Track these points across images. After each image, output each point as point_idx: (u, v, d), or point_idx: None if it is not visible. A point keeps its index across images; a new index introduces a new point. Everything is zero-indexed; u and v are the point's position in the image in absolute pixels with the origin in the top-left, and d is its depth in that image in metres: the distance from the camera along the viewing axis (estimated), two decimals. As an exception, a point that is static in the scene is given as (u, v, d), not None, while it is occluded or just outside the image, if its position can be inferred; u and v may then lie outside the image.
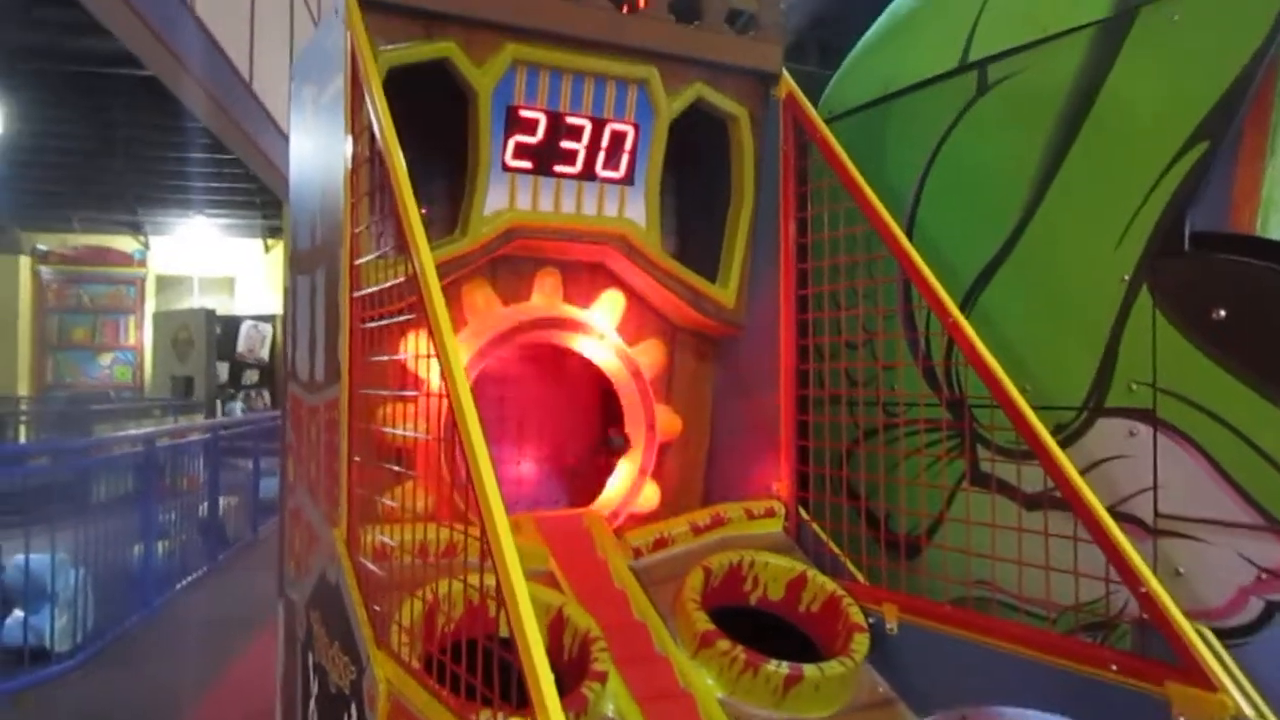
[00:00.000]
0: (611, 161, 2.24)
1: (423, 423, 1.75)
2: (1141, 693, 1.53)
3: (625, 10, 2.18)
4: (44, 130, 11.91)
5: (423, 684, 1.50)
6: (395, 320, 1.74)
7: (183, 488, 7.11)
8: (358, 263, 1.85)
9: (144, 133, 12.07)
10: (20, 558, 4.95)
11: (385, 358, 1.82)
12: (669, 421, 2.43)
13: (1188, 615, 1.51)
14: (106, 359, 18.32)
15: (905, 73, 2.44)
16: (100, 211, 16.89)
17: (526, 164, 2.15)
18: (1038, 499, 1.85)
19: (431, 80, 2.03)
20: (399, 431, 1.82)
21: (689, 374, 2.52)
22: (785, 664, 1.77)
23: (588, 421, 2.54)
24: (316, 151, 2.17)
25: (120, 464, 6.44)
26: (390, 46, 1.96)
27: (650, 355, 2.41)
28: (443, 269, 1.94)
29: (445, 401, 1.46)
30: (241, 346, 15.05)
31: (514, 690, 1.23)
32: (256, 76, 7.52)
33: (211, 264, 18.29)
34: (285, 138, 2.55)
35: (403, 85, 1.92)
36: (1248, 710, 1.42)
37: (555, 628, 1.77)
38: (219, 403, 14.24)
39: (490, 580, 1.29)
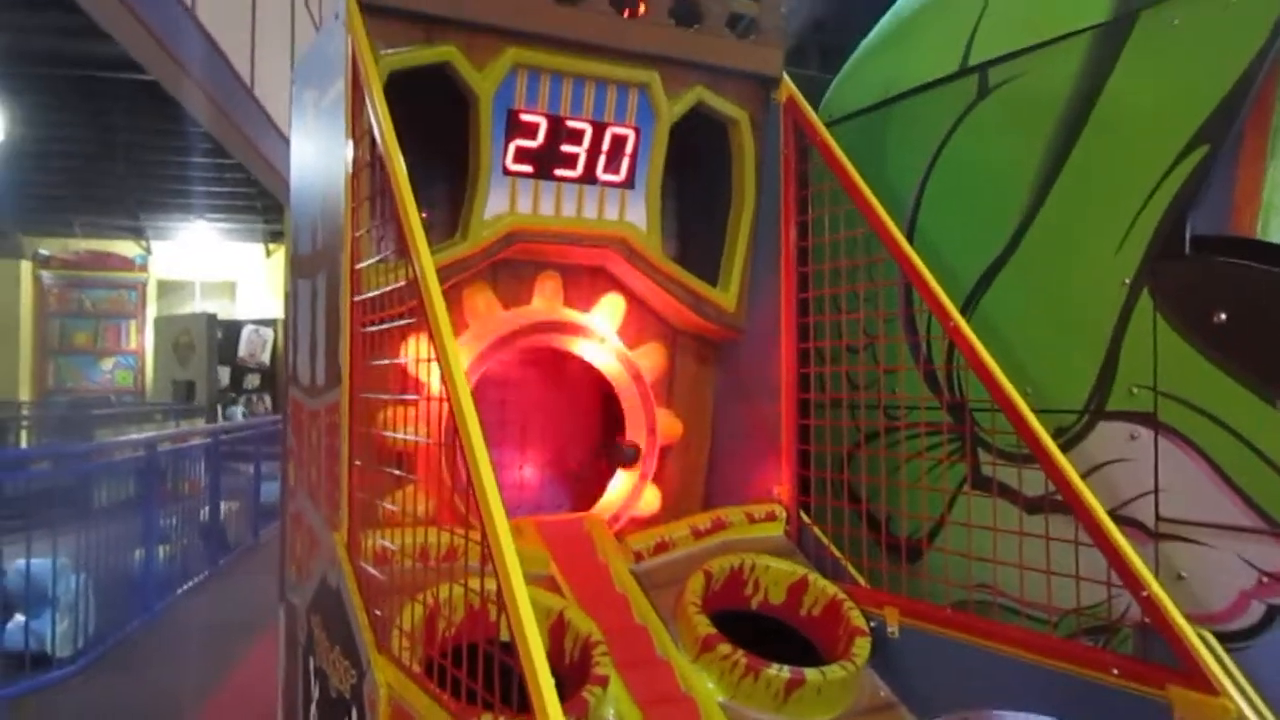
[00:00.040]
0: (612, 165, 2.24)
1: (423, 427, 1.75)
2: (1143, 697, 1.53)
3: (626, 14, 2.18)
4: (46, 135, 11.91)
5: (424, 688, 1.49)
6: (396, 324, 1.74)
7: (184, 492, 7.12)
8: (358, 267, 1.86)
9: (145, 137, 12.08)
10: (21, 562, 4.94)
11: (386, 361, 1.82)
12: (670, 425, 2.43)
13: (1189, 619, 1.51)
14: (108, 364, 18.31)
15: (906, 76, 2.45)
16: (101, 216, 16.90)
17: (527, 168, 2.16)
18: (1039, 502, 1.85)
19: (432, 84, 2.04)
20: (400, 435, 1.82)
21: (690, 377, 2.52)
22: (786, 668, 1.77)
23: (588, 425, 2.54)
24: (317, 155, 2.17)
25: (121, 469, 6.45)
26: (391, 51, 1.96)
27: (651, 359, 2.41)
28: (443, 273, 1.94)
29: (446, 405, 1.46)
30: (243, 351, 15.03)
31: (515, 694, 1.23)
32: (258, 81, 7.53)
33: (213, 268, 18.29)
34: (286, 142, 2.55)
35: (403, 89, 1.93)
36: (1249, 714, 1.41)
37: (556, 632, 1.77)
38: (220, 407, 14.23)
39: (491, 584, 1.29)
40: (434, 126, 2.10)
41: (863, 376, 2.34)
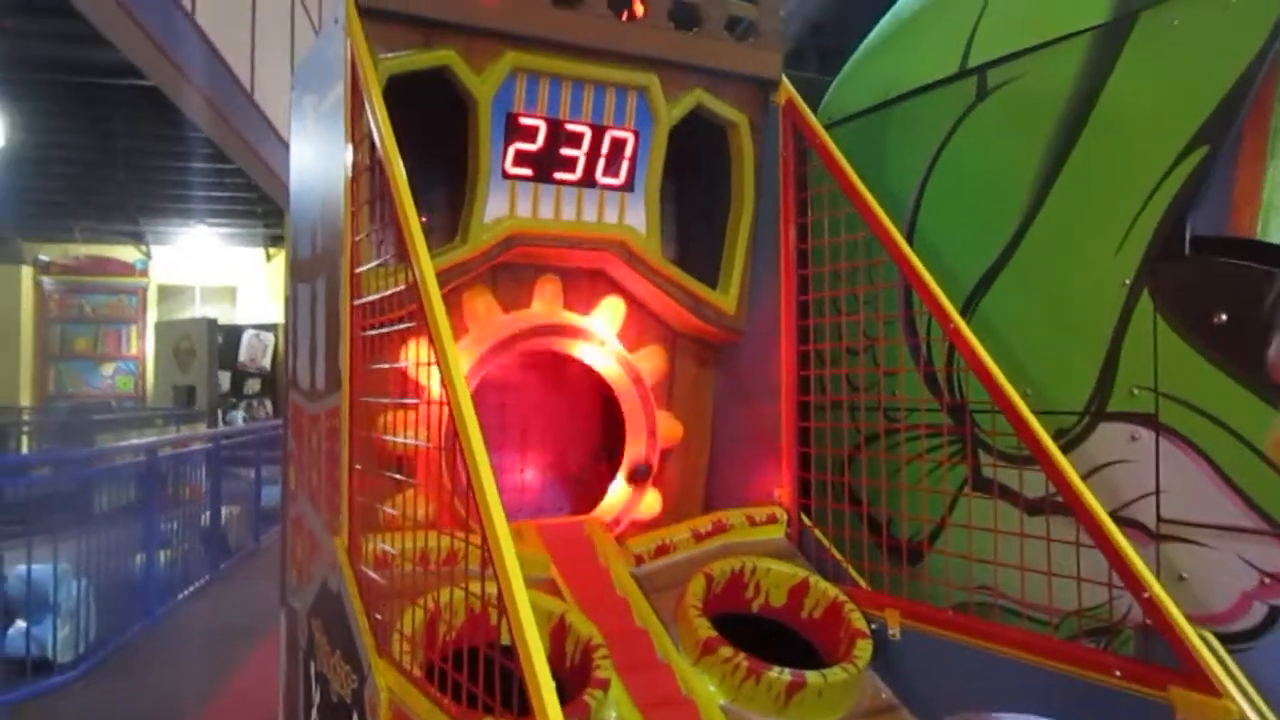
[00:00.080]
0: (611, 168, 2.24)
1: (424, 430, 1.75)
2: (1145, 698, 1.53)
3: (625, 18, 2.19)
4: (46, 141, 11.93)
5: (424, 692, 1.49)
6: (396, 328, 1.74)
7: (185, 497, 7.11)
8: (358, 271, 1.86)
9: (145, 143, 12.08)
10: (23, 568, 4.94)
11: (386, 365, 1.82)
12: (670, 428, 2.43)
13: (1191, 620, 1.51)
14: (108, 369, 18.31)
15: (905, 78, 2.45)
16: (102, 221, 16.91)
17: (526, 171, 2.16)
18: (1040, 504, 1.85)
19: (431, 88, 2.04)
20: (400, 439, 1.82)
21: (690, 380, 2.52)
22: (788, 671, 1.77)
23: (589, 428, 2.54)
24: (317, 160, 2.17)
25: (122, 474, 6.44)
26: (390, 55, 1.96)
27: (651, 362, 2.41)
28: (443, 276, 1.94)
29: (446, 409, 1.46)
30: (243, 356, 15.04)
31: (516, 698, 1.23)
32: (258, 86, 7.54)
33: (213, 273, 18.29)
34: (286, 146, 2.55)
35: (403, 93, 1.93)
36: (1251, 715, 1.41)
37: (557, 635, 1.77)
38: (221, 412, 14.23)
39: (492, 588, 1.29)
40: (433, 130, 2.10)
41: (863, 378, 2.34)
